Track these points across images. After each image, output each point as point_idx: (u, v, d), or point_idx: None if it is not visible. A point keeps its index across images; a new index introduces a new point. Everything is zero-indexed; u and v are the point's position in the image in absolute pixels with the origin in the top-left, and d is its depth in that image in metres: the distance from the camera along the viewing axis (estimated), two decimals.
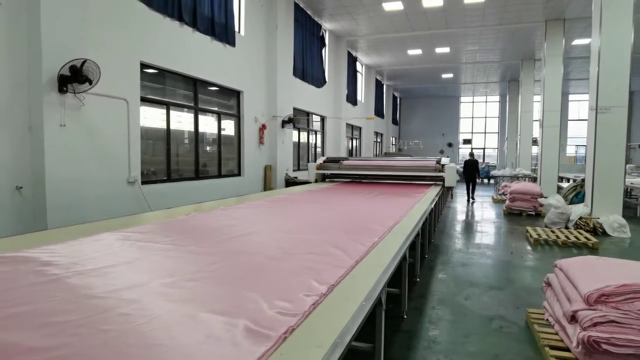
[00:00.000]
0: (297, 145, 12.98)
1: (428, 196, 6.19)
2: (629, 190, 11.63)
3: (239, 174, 9.37)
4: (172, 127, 7.43)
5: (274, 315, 1.60)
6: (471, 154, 13.31)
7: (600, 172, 7.92)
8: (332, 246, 2.80)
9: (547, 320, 3.29)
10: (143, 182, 6.60)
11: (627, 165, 16.55)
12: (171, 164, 7.35)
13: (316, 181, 8.49)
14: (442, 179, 7.69)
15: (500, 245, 6.78)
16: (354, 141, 19.88)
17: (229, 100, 9.24)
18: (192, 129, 7.96)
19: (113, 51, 5.89)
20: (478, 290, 4.40)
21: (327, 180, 8.70)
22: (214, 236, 3.12)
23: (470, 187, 12.68)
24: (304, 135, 13.67)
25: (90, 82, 4.94)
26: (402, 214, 4.47)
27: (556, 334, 3.03)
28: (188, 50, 7.54)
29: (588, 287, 2.74)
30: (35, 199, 4.84)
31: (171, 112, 7.43)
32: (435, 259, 5.66)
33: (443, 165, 7.68)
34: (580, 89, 24.92)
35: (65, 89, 4.85)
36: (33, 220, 4.86)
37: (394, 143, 29.01)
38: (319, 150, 15.06)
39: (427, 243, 5.84)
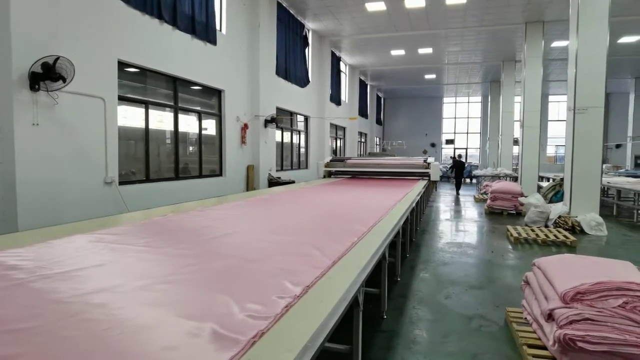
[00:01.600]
0: (281, 145, 12.91)
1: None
2: (606, 189, 11.90)
3: (220, 174, 9.26)
4: (151, 126, 7.30)
5: (244, 319, 1.55)
6: (459, 155, 15.01)
7: (578, 171, 8.07)
8: (312, 247, 2.77)
9: (526, 318, 3.32)
10: (121, 183, 6.46)
11: (604, 165, 16.95)
12: (150, 164, 7.21)
13: (324, 177, 9.79)
14: (428, 175, 9.04)
15: (481, 244, 6.84)
16: (338, 141, 19.89)
17: (210, 99, 9.13)
18: (172, 128, 7.82)
19: (89, 48, 5.75)
20: (459, 289, 4.41)
21: (332, 176, 9.97)
22: (190, 237, 3.05)
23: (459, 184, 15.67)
24: (287, 135, 13.61)
25: (64, 80, 4.80)
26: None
27: (534, 332, 3.05)
28: (168, 48, 7.42)
29: (565, 285, 2.77)
30: (5, 202, 4.67)
31: (151, 111, 7.30)
32: (417, 258, 5.68)
33: (429, 164, 9.10)
34: (559, 90, 25.44)
35: (37, 86, 4.70)
36: (3, 224, 4.68)
37: (378, 143, 29.14)
38: (302, 150, 15.02)
39: (408, 242, 5.85)
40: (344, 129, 20.09)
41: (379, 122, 29.23)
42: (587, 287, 2.63)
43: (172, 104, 7.80)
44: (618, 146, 25.09)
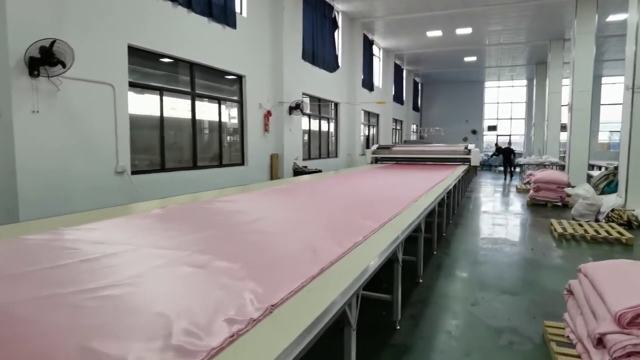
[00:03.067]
0: (308, 133, 12.47)
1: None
2: None
3: (242, 163, 8.95)
4: (167, 114, 7.05)
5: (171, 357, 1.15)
6: (509, 143, 17.80)
7: (636, 158, 7.12)
8: (306, 247, 2.34)
9: (568, 337, 2.73)
10: (134, 172, 6.26)
11: None
12: (165, 153, 6.98)
13: (371, 163, 10.66)
14: (469, 160, 9.74)
15: (520, 240, 6.14)
16: (371, 129, 19.21)
17: (230, 85, 8.80)
18: (189, 115, 7.56)
19: (96, 33, 5.51)
20: (489, 294, 3.84)
21: (378, 162, 10.80)
22: (175, 235, 2.68)
23: (508, 169, 16.86)
24: (315, 122, 13.15)
25: (64, 65, 4.56)
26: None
27: (578, 357, 2.47)
28: (183, 32, 7.11)
29: (620, 303, 2.17)
30: (6, 193, 4.53)
31: (167, 98, 7.05)
32: (445, 256, 5.10)
33: (470, 150, 9.85)
34: (615, 71, 23.31)
35: (37, 72, 4.49)
36: (7, 215, 4.55)
37: (414, 130, 28.10)
38: (332, 139, 14.51)
39: (435, 238, 5.28)
40: (377, 115, 19.36)
41: (415, 108, 28.13)
42: None
43: (188, 90, 7.52)
44: None
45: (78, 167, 5.27)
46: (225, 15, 8.05)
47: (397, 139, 23.81)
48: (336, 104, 14.27)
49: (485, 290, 3.94)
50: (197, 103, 7.75)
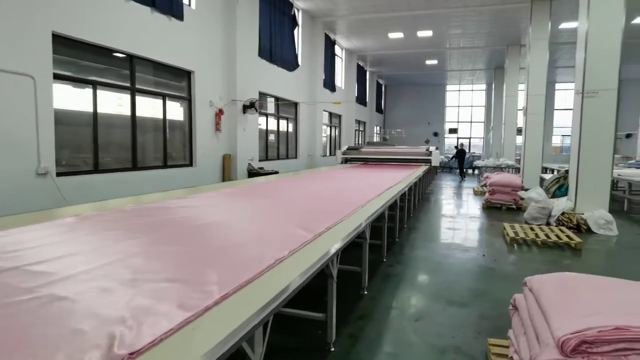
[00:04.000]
0: (265, 133, 12.06)
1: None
2: (615, 181, 10.98)
3: (190, 164, 8.44)
4: (102, 110, 6.47)
5: None
6: (461, 144, 19.14)
7: (585, 162, 7.18)
8: (212, 266, 1.97)
9: (512, 358, 2.50)
10: (61, 174, 5.66)
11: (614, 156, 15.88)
12: (99, 152, 6.40)
13: (341, 163, 11.37)
14: (430, 161, 10.73)
15: (474, 244, 6.00)
16: (334, 129, 18.99)
17: (178, 81, 8.27)
18: (129, 112, 6.99)
19: (11, 18, 4.91)
20: (436, 307, 3.60)
21: (348, 162, 11.48)
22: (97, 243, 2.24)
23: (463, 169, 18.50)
24: (274, 122, 12.74)
25: None
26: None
27: None
28: (120, 22, 6.56)
29: (564, 325, 1.94)
30: None
31: (102, 93, 6.47)
32: (396, 264, 4.85)
33: (430, 152, 10.91)
34: (567, 77, 24.25)
35: None
36: None
37: (377, 132, 28.17)
38: (292, 139, 14.15)
39: (385, 245, 5.03)
40: (339, 116, 19.18)
41: (379, 110, 28.22)
42: (596, 334, 1.80)
43: (128, 85, 6.95)
44: (628, 136, 23.93)
45: None
46: (171, 6, 7.53)
47: (360, 140, 23.75)
48: (296, 104, 13.93)
49: (433, 302, 3.70)
50: (139, 99, 7.19)
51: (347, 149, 11.74)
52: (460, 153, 18.53)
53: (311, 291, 3.21)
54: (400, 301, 3.73)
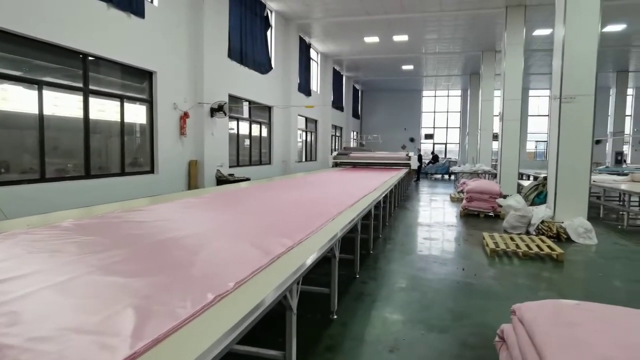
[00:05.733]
0: (236, 138, 11.55)
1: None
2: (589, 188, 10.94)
3: (151, 171, 7.86)
4: (48, 112, 5.88)
5: None
6: (418, 149, 20.66)
7: (564, 169, 7.01)
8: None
9: None
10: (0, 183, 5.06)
11: None
12: (45, 159, 5.80)
13: (332, 167, 12.64)
14: (409, 164, 12.25)
15: (452, 257, 5.67)
16: (309, 135, 18.60)
17: (139, 82, 7.71)
18: (80, 114, 6.41)
19: None
20: (413, 333, 3.21)
21: (338, 166, 12.73)
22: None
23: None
24: (246, 126, 12.24)
25: None
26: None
27: None
28: (71, 17, 6.00)
29: None
30: None
31: (50, 93, 5.89)
32: (370, 281, 4.46)
33: (410, 157, 12.50)
34: (540, 84, 24.67)
35: None
36: None
37: (354, 137, 27.95)
38: (265, 144, 13.67)
39: (358, 259, 4.64)
40: (315, 121, 18.81)
41: (355, 115, 28.03)
42: None
43: (80, 85, 6.37)
44: (597, 142, 24.48)
45: None
46: (130, 3, 7.00)
47: (336, 145, 23.44)
48: (270, 108, 13.47)
49: (410, 328, 3.31)
50: (94, 101, 6.61)
51: (338, 154, 13.26)
52: (419, 158, 18.85)
53: (272, 321, 2.79)
54: (373, 327, 3.32)
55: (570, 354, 1.73)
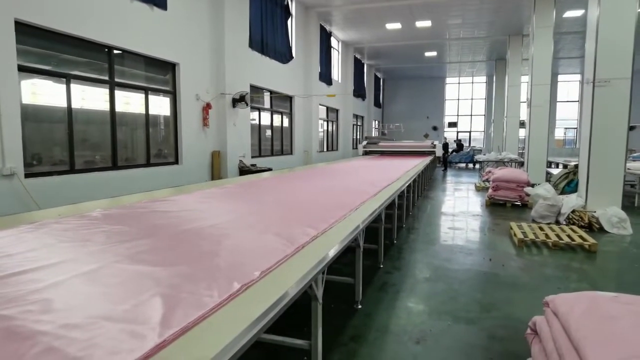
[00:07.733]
0: (258, 128, 11.59)
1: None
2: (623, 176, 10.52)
3: (176, 162, 7.97)
4: (77, 105, 6.01)
5: None
6: (445, 137, 20.89)
7: (597, 156, 6.73)
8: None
9: None
10: (28, 175, 5.21)
11: None
12: (74, 151, 5.94)
13: (362, 155, 13.93)
14: (434, 152, 13.49)
15: (478, 246, 5.56)
16: (330, 124, 18.51)
17: (162, 74, 7.79)
18: (107, 107, 6.52)
19: None
20: (440, 324, 3.16)
21: (367, 154, 13.95)
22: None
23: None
24: (267, 116, 12.26)
25: None
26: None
27: None
28: (96, 11, 6.09)
29: None
30: None
31: (78, 87, 6.01)
32: (394, 271, 4.42)
33: (435, 145, 13.79)
34: (569, 69, 23.74)
35: None
36: None
37: (376, 127, 27.67)
38: (287, 134, 13.67)
39: (382, 249, 4.59)
40: (336, 111, 18.69)
41: (377, 104, 27.70)
42: None
43: (106, 78, 6.48)
44: (632, 128, 23.44)
45: None
46: None
47: (357, 135, 23.24)
48: (291, 98, 13.44)
49: (436, 318, 3.26)
50: (119, 93, 6.72)
51: (367, 143, 14.47)
52: (444, 147, 18.94)
53: (297, 310, 2.78)
54: (398, 317, 3.29)
55: (609, 350, 1.65)
